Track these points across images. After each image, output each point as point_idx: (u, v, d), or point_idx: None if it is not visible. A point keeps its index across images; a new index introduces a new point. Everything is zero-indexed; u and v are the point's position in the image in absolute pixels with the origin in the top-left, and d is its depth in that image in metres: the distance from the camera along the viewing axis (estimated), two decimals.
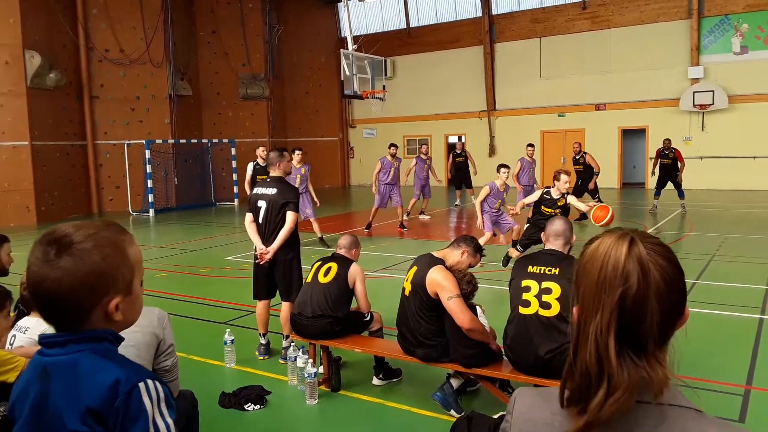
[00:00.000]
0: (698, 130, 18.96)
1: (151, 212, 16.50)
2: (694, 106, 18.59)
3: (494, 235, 8.85)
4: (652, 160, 14.56)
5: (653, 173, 14.15)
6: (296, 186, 10.14)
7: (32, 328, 3.24)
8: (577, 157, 12.93)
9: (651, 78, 19.45)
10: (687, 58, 18.97)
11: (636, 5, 19.64)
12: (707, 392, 4.17)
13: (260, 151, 11.28)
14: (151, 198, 16.61)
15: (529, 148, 12.47)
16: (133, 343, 2.74)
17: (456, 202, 16.44)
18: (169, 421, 1.25)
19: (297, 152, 10.52)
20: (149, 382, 1.24)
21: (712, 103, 18.33)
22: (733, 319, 5.95)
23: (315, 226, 10.66)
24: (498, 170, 8.84)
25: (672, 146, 13.89)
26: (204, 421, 3.41)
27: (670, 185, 13.80)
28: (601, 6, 20.23)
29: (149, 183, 16.61)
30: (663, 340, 0.96)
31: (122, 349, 1.32)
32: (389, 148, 12.27)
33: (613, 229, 1.02)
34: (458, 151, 16.16)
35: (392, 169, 11.97)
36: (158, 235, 13.38)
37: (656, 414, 0.94)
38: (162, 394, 1.24)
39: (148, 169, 16.56)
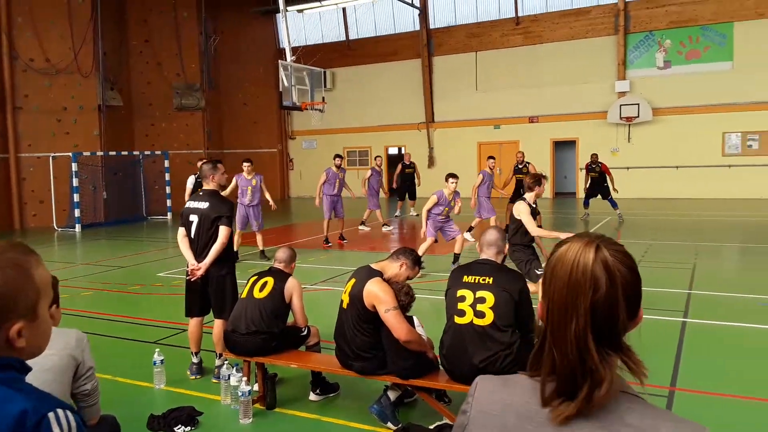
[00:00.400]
0: (625, 142, 19.85)
1: (78, 228, 15.78)
2: (621, 118, 19.46)
3: (435, 241, 8.93)
4: (583, 171, 15.23)
5: (586, 189, 14.82)
6: (248, 198, 10.15)
7: None
8: (520, 167, 13.26)
9: (580, 91, 20.25)
10: (614, 73, 19.86)
11: (566, 21, 20.44)
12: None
13: (202, 164, 10.96)
14: (77, 213, 15.89)
15: (490, 160, 12.20)
16: (49, 366, 2.60)
17: (396, 213, 16.53)
18: None
19: (246, 164, 10.33)
20: (59, 411, 1.16)
21: (638, 116, 19.25)
22: (657, 323, 6.19)
23: (259, 238, 10.48)
24: (446, 180, 8.95)
25: (599, 160, 14.58)
26: None
27: (599, 196, 14.46)
28: (534, 22, 20.94)
29: (76, 197, 15.88)
30: (625, 333, 1.05)
31: (37, 374, 1.24)
32: (334, 159, 12.14)
33: (580, 234, 1.09)
34: (407, 162, 16.30)
35: (337, 180, 11.85)
36: (85, 252, 12.80)
37: (618, 400, 1.01)
38: (73, 424, 1.17)
39: (75, 182, 15.85)
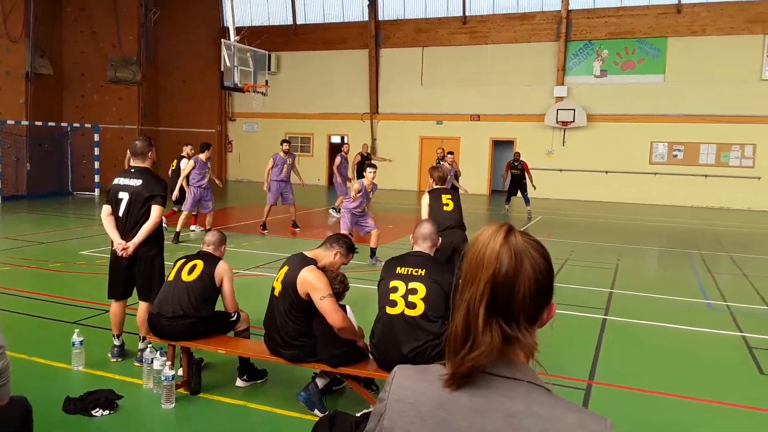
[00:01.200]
0: (560, 145, 20.52)
1: None
2: (557, 122, 20.10)
3: (350, 235, 8.87)
4: (503, 174, 16.05)
5: (504, 184, 15.70)
6: (205, 180, 10.64)
7: None
8: (442, 162, 13.57)
9: (521, 93, 20.78)
10: (553, 78, 20.47)
11: (511, 25, 20.87)
12: (551, 386, 4.47)
13: (188, 150, 11.40)
14: None
15: (449, 156, 13.01)
16: None
17: None
18: None
19: (208, 149, 10.96)
20: None
21: (573, 121, 19.93)
22: (579, 319, 6.46)
23: (209, 219, 10.86)
24: (365, 170, 8.97)
25: (521, 159, 15.39)
26: (42, 428, 3.11)
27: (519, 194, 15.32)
28: (480, 22, 21.27)
29: None
30: (532, 321, 1.07)
31: None
32: (281, 144, 11.93)
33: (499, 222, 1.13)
34: (365, 153, 16.38)
35: (285, 165, 11.65)
36: (4, 226, 12.10)
37: (513, 387, 1.05)
38: None
39: None
